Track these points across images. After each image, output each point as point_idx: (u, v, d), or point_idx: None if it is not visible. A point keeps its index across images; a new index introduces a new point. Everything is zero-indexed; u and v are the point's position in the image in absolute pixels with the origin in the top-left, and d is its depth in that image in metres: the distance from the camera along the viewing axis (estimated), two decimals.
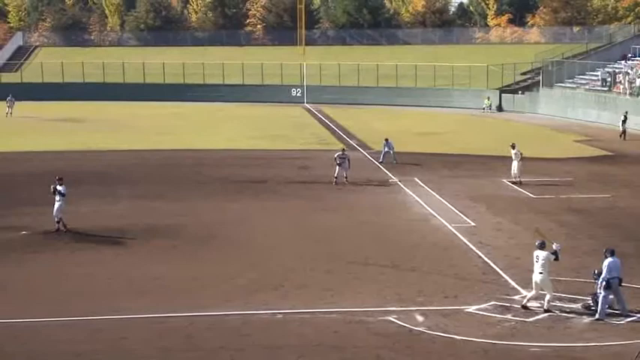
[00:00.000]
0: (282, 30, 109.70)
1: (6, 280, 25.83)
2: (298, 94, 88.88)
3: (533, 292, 22.57)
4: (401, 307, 22.73)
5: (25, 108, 74.13)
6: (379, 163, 47.53)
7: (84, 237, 30.67)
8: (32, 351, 19.95)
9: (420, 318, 21.92)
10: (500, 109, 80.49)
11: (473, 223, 32.95)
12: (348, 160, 41.88)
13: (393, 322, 21.57)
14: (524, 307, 22.50)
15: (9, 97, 73.13)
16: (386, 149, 48.01)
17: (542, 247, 22.47)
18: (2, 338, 20.75)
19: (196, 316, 22.20)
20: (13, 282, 25.63)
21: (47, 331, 21.16)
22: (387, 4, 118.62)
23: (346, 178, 41.24)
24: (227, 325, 21.59)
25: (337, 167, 41.36)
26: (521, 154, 41.24)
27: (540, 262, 22.25)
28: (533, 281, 22.46)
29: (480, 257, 27.91)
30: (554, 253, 22.35)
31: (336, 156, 41.82)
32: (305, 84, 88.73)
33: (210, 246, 29.92)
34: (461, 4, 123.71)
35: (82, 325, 21.60)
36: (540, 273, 22.22)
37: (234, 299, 23.58)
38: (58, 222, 31.17)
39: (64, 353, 19.80)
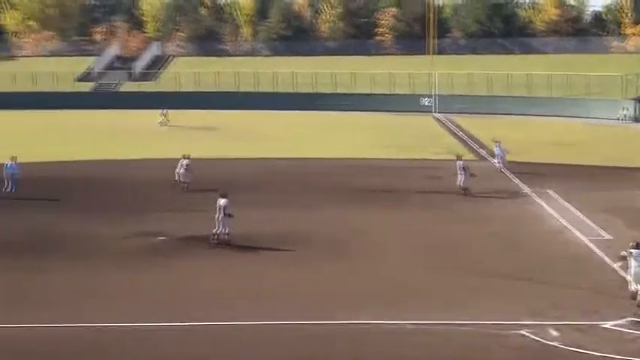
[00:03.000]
0: (411, 39, 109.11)
1: (138, 285, 26.52)
2: (428, 104, 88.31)
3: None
4: (534, 321, 22.28)
5: (159, 116, 75.70)
6: (501, 169, 46.83)
7: (215, 243, 31.09)
8: (161, 356, 20.36)
9: (554, 333, 21.42)
10: (636, 119, 78.12)
11: (609, 237, 32.05)
12: (465, 169, 41.21)
13: (526, 336, 21.15)
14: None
15: (163, 110, 74.39)
16: (498, 152, 47.37)
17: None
18: (128, 342, 21.29)
19: (325, 324, 22.24)
20: (144, 287, 26.27)
21: (169, 336, 21.62)
22: (520, 13, 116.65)
23: (463, 187, 40.67)
24: (355, 334, 21.56)
25: (460, 177, 40.96)
26: None
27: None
28: None
29: (616, 271, 27.09)
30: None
31: (458, 165, 41.45)
32: (435, 93, 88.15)
33: (339, 255, 29.95)
34: (596, 12, 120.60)
35: (207, 331, 21.95)
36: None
37: (361, 308, 23.54)
38: (223, 234, 31.27)
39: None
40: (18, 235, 32.93)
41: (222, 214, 30.89)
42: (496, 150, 48.37)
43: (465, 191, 40.65)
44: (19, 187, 40.63)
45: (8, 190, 40.02)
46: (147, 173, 47.78)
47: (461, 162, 41.49)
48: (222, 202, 30.97)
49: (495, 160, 48.39)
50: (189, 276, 27.37)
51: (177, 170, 42.44)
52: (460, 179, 41.01)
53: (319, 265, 28.61)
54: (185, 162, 42.51)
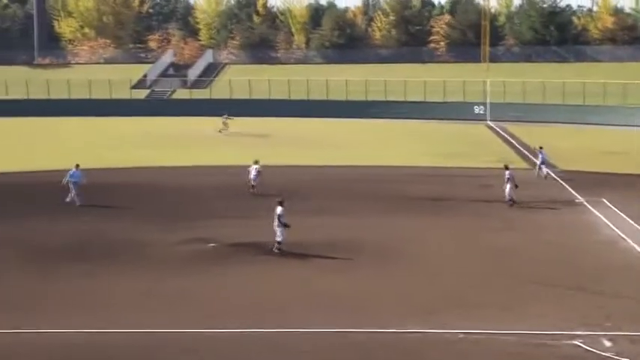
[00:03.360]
0: (465, 47, 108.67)
1: (189, 291, 26.62)
2: (481, 112, 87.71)
3: None
4: (587, 331, 21.93)
5: (214, 123, 76.14)
6: (545, 176, 46.96)
7: (266, 250, 31.12)
8: None
9: (607, 343, 21.07)
10: None
11: None
12: (509, 178, 40.47)
13: (580, 346, 20.83)
14: None
15: (225, 115, 74.68)
16: (541, 158, 47.41)
17: None
18: (177, 348, 21.35)
19: (374, 332, 22.13)
20: (195, 293, 26.37)
21: (223, 343, 21.63)
22: (575, 21, 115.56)
23: (509, 199, 40.03)
24: (405, 343, 21.41)
25: (507, 187, 40.28)
26: None
27: None
28: None
29: None
30: None
31: (506, 175, 40.73)
32: (488, 101, 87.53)
33: (388, 262, 29.83)
34: None
35: (262, 337, 21.95)
36: None
37: (413, 316, 23.39)
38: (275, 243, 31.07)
39: None
40: (72, 241, 33.27)
41: (276, 222, 30.86)
42: (539, 156, 48.15)
43: (511, 202, 39.96)
44: (81, 193, 40.61)
45: (77, 202, 40.02)
46: (201, 180, 48.07)
47: (508, 172, 40.82)
48: (278, 210, 30.96)
49: (538, 166, 48.17)
50: (238, 282, 27.42)
51: (250, 176, 43.10)
52: (507, 189, 40.30)
53: (368, 272, 28.52)
54: (256, 167, 43.32)
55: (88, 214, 38.21)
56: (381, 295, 25.81)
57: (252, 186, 43.19)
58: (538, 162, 48.29)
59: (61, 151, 59.72)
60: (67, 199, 40.07)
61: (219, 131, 72.96)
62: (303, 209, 37.83)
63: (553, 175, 47.53)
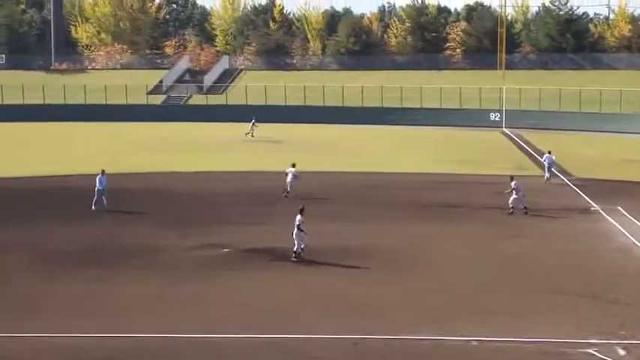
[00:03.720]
0: (481, 54, 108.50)
1: (202, 296, 26.60)
2: (497, 119, 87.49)
3: None
4: (601, 339, 21.80)
5: (229, 129, 76.33)
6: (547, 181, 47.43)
7: (279, 256, 31.13)
8: None
9: (622, 352, 20.95)
10: None
11: None
12: (514, 189, 40.05)
13: (594, 355, 20.71)
14: None
15: (253, 120, 74.69)
16: (546, 163, 47.68)
17: None
18: (192, 353, 21.32)
19: (387, 339, 22.07)
20: (207, 298, 26.36)
21: (235, 348, 21.60)
22: (592, 29, 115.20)
23: (524, 207, 39.68)
24: (419, 350, 21.35)
25: (514, 197, 39.89)
26: None
27: None
28: None
29: None
30: None
31: (512, 185, 40.38)
32: (504, 108, 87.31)
33: (401, 269, 29.78)
34: None
35: (274, 343, 21.91)
36: None
37: (426, 323, 23.32)
38: (299, 250, 30.88)
39: None
40: (86, 245, 33.35)
41: (295, 230, 30.76)
42: (547, 160, 48.32)
43: (526, 210, 39.57)
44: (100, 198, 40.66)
45: (93, 207, 39.97)
46: (215, 186, 48.10)
47: (514, 182, 40.45)
48: (297, 217, 30.87)
49: (546, 171, 48.36)
50: (252, 288, 27.42)
51: (287, 179, 43.16)
52: (512, 199, 39.90)
53: (382, 278, 28.47)
54: (293, 170, 43.41)
55: (102, 219, 38.32)
56: (394, 301, 25.75)
57: (287, 190, 43.04)
58: (546, 166, 48.23)
59: (77, 156, 59.91)
60: (104, 203, 40.17)
61: (251, 135, 72.87)
62: (317, 215, 37.73)
63: (561, 176, 47.41)
